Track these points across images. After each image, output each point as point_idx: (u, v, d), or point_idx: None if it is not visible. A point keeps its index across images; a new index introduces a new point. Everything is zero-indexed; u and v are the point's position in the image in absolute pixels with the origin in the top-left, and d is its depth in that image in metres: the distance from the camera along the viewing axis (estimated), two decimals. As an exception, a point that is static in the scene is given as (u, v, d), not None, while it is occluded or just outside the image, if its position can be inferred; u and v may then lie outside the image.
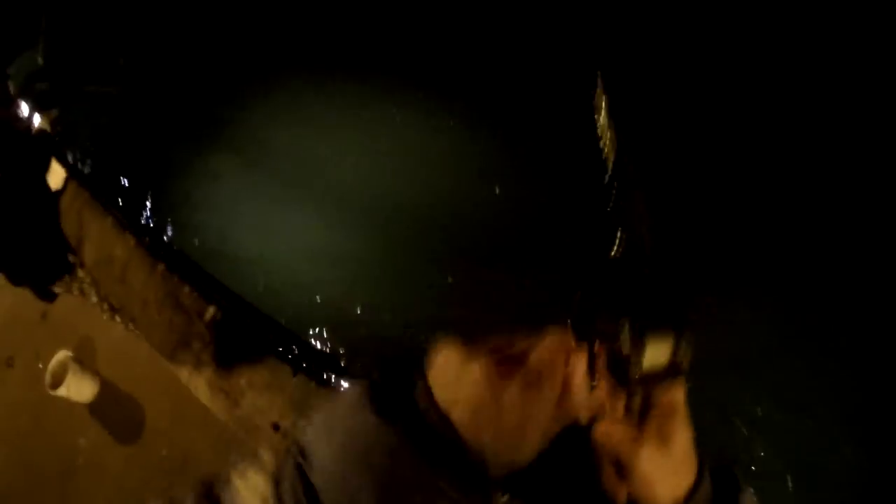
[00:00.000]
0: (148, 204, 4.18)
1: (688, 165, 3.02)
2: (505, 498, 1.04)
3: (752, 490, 0.68)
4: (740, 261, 2.85)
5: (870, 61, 3.02)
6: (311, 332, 3.14)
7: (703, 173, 3.00)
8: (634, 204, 0.65)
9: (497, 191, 3.21)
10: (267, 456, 0.58)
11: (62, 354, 2.54)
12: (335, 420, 0.58)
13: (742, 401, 2.72)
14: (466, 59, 3.65)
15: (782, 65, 3.15)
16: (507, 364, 0.58)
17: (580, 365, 0.61)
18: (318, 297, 3.32)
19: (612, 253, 0.65)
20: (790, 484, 2.57)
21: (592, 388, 0.63)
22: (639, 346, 0.59)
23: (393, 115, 3.78)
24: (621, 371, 0.62)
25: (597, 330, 0.63)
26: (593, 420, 0.64)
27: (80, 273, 2.10)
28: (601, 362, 0.63)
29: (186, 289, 1.45)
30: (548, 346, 0.60)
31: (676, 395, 0.64)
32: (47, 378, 2.51)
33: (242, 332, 1.41)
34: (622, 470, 0.65)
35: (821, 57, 3.10)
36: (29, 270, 2.20)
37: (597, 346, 0.63)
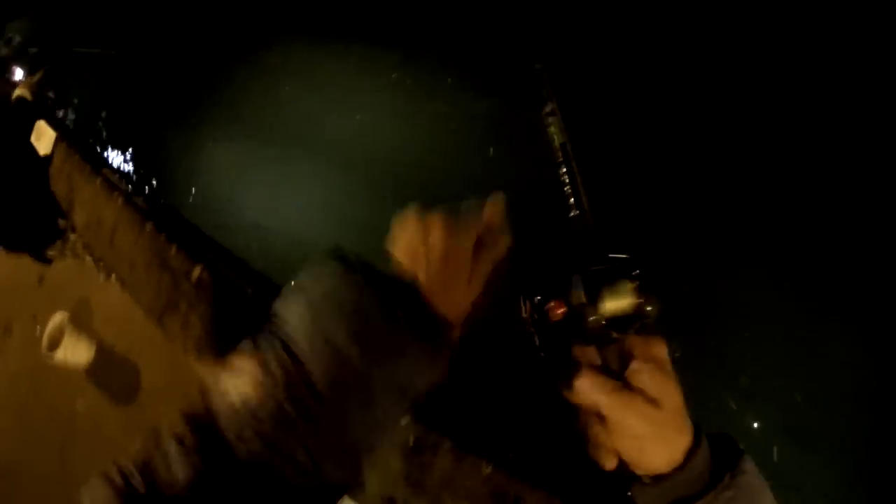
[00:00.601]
0: (139, 164, 4.16)
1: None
2: (448, 443, 1.08)
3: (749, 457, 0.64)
4: (736, 226, 2.85)
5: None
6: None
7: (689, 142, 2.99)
8: (577, 182, 0.73)
9: (493, 152, 3.18)
10: (245, 343, 0.59)
11: (59, 317, 2.55)
12: (306, 286, 0.60)
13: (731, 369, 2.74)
14: (466, 16, 3.59)
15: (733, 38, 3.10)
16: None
17: (492, 213, 0.67)
18: (308, 254, 3.33)
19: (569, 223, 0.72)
20: (785, 452, 2.60)
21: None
22: (596, 295, 0.64)
23: (391, 74, 3.73)
24: (584, 323, 0.65)
25: (554, 290, 0.67)
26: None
27: (72, 237, 2.10)
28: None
29: (173, 249, 1.44)
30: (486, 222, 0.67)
31: (658, 349, 0.64)
32: (44, 342, 2.53)
33: (229, 291, 1.41)
34: (609, 430, 0.62)
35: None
36: (22, 235, 2.20)
37: (554, 305, 0.66)
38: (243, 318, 1.42)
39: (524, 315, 0.68)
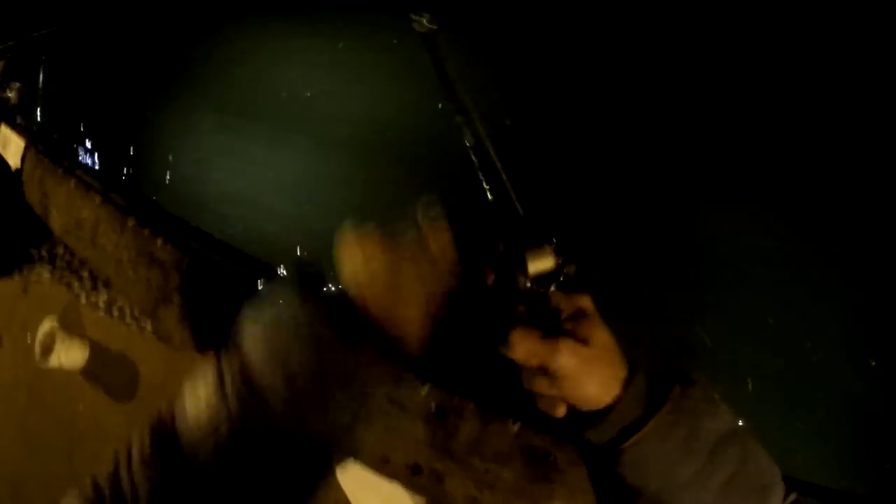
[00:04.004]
0: (111, 156, 4.03)
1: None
2: (472, 406, 1.12)
3: (703, 381, 0.68)
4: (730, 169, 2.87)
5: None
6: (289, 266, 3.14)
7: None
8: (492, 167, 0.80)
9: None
10: (208, 367, 0.63)
11: (48, 324, 2.54)
12: (264, 313, 0.63)
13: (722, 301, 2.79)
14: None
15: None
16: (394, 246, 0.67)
17: (441, 236, 0.69)
18: (296, 232, 3.30)
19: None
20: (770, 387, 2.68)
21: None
22: (519, 259, 0.71)
23: (368, 47, 3.66)
24: (513, 286, 0.72)
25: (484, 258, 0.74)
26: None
27: (57, 249, 2.08)
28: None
29: (159, 242, 1.44)
30: (423, 230, 0.69)
31: (584, 301, 0.71)
32: (37, 350, 2.52)
33: (221, 277, 1.42)
34: (549, 377, 0.68)
35: None
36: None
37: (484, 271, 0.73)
38: (238, 301, 1.44)
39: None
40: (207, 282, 1.44)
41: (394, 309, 0.65)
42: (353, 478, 2.46)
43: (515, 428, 1.08)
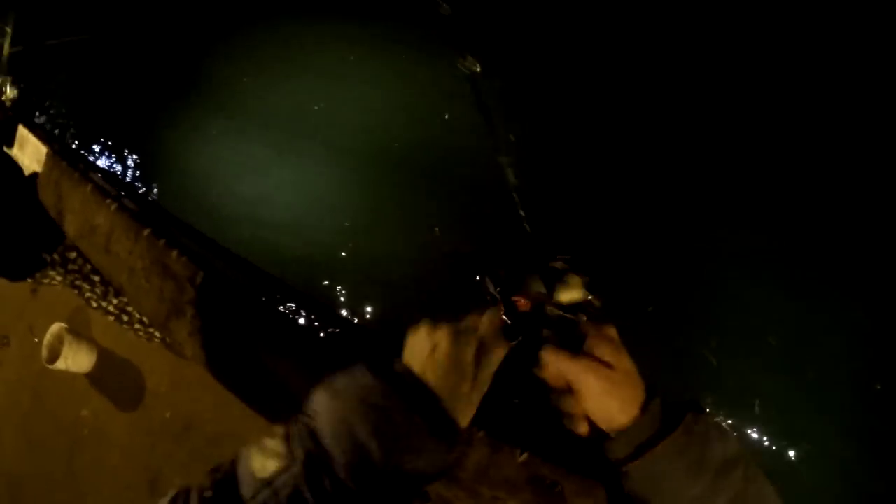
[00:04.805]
0: (130, 164, 4.06)
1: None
2: (481, 434, 1.16)
3: (711, 418, 0.74)
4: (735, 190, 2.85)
5: None
6: (304, 282, 3.14)
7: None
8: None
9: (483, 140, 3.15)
10: (278, 427, 0.67)
11: (56, 327, 2.53)
12: (336, 385, 0.69)
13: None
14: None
15: None
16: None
17: (489, 315, 0.79)
18: (310, 245, 3.31)
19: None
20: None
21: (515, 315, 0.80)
22: (552, 287, 0.79)
23: (379, 56, 3.66)
24: (544, 312, 0.79)
25: (518, 286, 0.81)
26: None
27: (70, 254, 2.06)
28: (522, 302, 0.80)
29: (174, 254, 1.42)
30: (476, 315, 0.79)
31: (609, 330, 0.78)
32: (44, 353, 2.50)
33: (235, 293, 1.40)
34: (575, 396, 0.75)
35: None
36: (10, 255, 2.14)
37: (519, 299, 0.80)
38: (250, 320, 1.41)
39: (500, 312, 0.81)
40: (221, 297, 1.41)
41: (453, 398, 0.72)
42: None
43: (523, 457, 1.08)
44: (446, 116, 3.19)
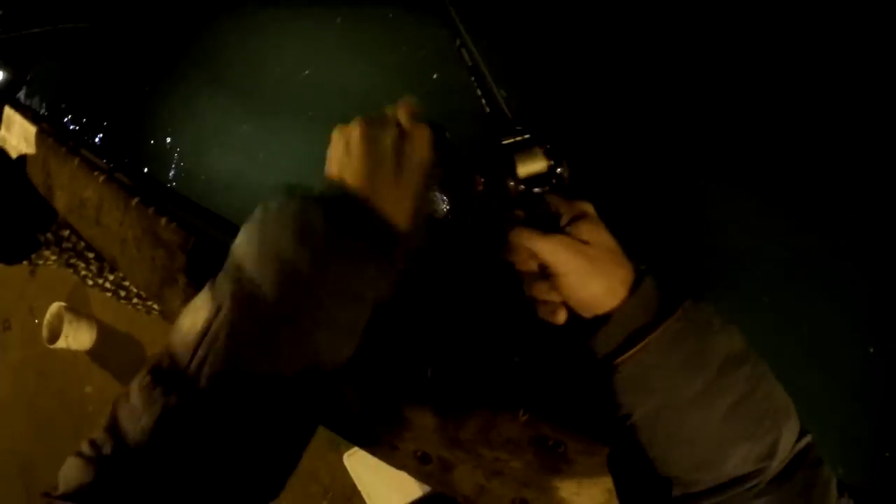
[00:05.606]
0: (115, 135, 4.03)
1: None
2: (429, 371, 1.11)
3: (712, 307, 0.64)
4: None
5: None
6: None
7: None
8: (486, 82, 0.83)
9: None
10: (207, 284, 0.62)
11: (55, 306, 2.54)
12: (255, 216, 0.62)
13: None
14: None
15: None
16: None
17: (403, 101, 0.71)
18: None
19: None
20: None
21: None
22: (510, 163, 0.70)
23: (368, 25, 3.61)
24: (505, 189, 0.71)
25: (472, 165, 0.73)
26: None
27: (63, 232, 2.07)
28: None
29: (164, 221, 1.41)
30: (403, 126, 0.69)
31: (583, 205, 0.69)
32: (45, 332, 2.52)
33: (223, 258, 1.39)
34: (550, 281, 0.66)
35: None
36: (6, 240, 2.14)
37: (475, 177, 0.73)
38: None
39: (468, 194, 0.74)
40: (213, 262, 1.41)
41: (377, 193, 0.64)
42: (361, 464, 2.45)
43: (525, 417, 1.04)
44: (434, 76, 3.15)
